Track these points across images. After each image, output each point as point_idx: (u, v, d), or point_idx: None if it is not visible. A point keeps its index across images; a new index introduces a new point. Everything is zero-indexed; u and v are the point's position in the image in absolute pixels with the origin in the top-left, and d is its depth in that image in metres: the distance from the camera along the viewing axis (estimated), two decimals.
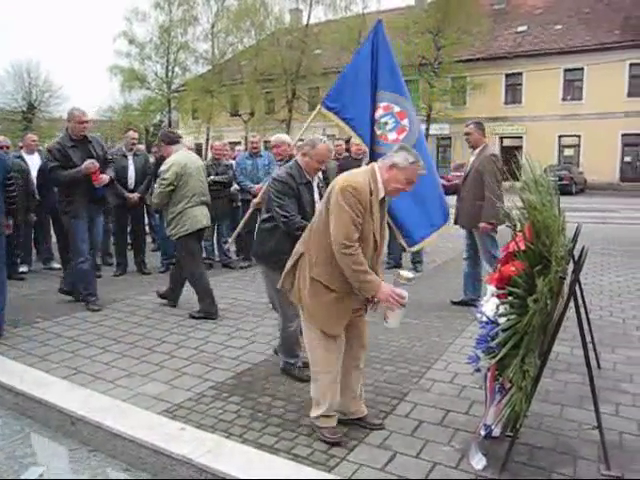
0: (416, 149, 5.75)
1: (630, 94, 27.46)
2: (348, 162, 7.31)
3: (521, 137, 30.84)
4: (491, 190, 5.23)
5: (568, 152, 29.79)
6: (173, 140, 5.25)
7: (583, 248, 2.56)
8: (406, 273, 2.76)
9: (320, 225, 2.76)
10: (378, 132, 5.62)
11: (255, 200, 5.58)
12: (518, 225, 2.56)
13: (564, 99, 29.32)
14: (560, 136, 29.49)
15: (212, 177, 6.95)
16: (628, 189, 26.45)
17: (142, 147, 7.93)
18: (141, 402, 3.22)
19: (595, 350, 3.75)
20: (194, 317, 5.00)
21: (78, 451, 2.94)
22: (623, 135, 27.65)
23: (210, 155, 8.05)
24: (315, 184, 3.81)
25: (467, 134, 5.49)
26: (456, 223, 5.64)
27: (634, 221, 13.62)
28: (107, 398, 3.23)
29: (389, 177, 2.71)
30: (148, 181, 6.80)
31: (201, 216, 5.14)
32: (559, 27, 30.32)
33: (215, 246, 7.84)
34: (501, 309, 2.40)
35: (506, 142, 31.65)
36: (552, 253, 2.35)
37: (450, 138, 32.04)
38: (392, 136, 5.67)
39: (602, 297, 5.90)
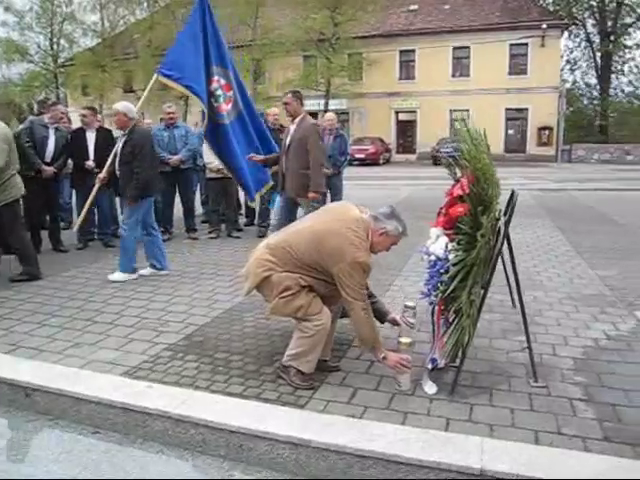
0: (240, 119, 6.28)
1: (511, 72, 29.74)
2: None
3: (415, 112, 32.36)
4: (317, 159, 5.31)
5: (459, 126, 31.59)
6: None
7: (513, 192, 2.91)
8: (405, 339, 3.02)
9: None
10: (215, 104, 6.10)
11: (100, 175, 5.49)
12: (458, 173, 2.85)
13: (453, 75, 31.09)
14: (451, 110, 31.26)
15: None
16: (511, 159, 28.73)
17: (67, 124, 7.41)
18: (97, 368, 3.18)
19: (511, 292, 4.23)
20: (15, 280, 5.14)
21: (37, 422, 2.86)
22: (506, 110, 29.91)
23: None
24: None
25: (285, 103, 5.43)
26: (283, 189, 5.68)
27: (523, 187, 14.96)
28: (60, 367, 3.15)
29: (377, 241, 2.94)
30: (65, 159, 6.49)
31: (20, 184, 5.27)
32: (447, 7, 31.90)
33: None
34: (450, 246, 2.69)
35: (401, 116, 33.13)
36: (490, 196, 2.67)
37: (348, 113, 32.88)
38: (224, 107, 6.20)
39: (507, 250, 6.54)
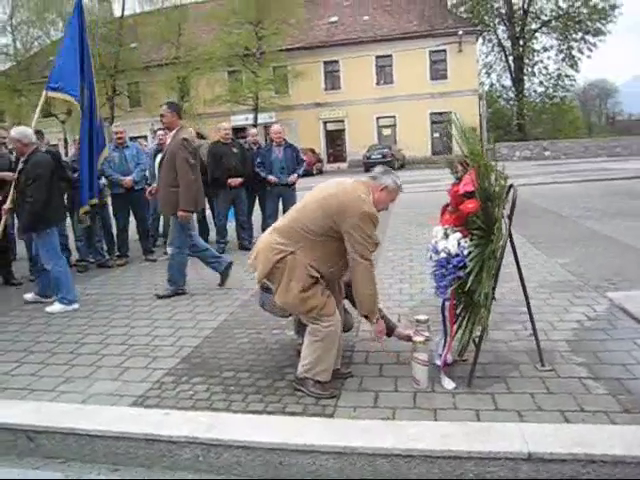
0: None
1: (432, 78, 30.99)
2: (218, 147, 7.33)
3: (343, 121, 33.00)
4: (184, 176, 4.99)
5: (386, 132, 32.60)
6: None
7: (512, 186, 3.03)
8: (419, 338, 2.96)
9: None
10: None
11: (5, 206, 5.19)
12: (459, 172, 2.93)
13: (378, 83, 32.00)
14: (378, 117, 32.11)
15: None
16: (439, 161, 29.86)
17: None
18: (101, 401, 2.99)
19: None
20: None
21: (47, 467, 2.65)
22: (431, 114, 31.07)
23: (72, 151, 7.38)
24: None
25: (161, 115, 5.18)
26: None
27: None
28: (63, 404, 2.94)
29: (379, 198, 2.98)
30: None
31: None
32: (367, 18, 32.85)
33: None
34: (462, 242, 2.76)
35: (330, 126, 33.68)
36: (494, 191, 2.76)
37: None
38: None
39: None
